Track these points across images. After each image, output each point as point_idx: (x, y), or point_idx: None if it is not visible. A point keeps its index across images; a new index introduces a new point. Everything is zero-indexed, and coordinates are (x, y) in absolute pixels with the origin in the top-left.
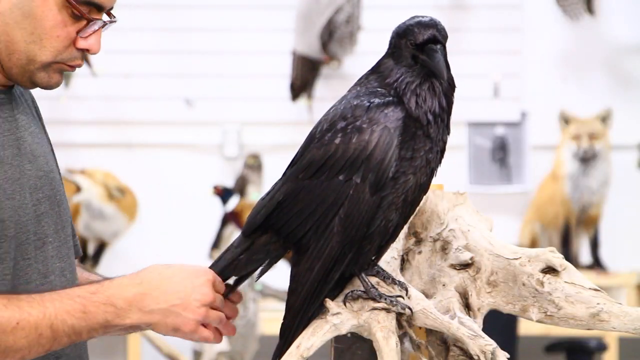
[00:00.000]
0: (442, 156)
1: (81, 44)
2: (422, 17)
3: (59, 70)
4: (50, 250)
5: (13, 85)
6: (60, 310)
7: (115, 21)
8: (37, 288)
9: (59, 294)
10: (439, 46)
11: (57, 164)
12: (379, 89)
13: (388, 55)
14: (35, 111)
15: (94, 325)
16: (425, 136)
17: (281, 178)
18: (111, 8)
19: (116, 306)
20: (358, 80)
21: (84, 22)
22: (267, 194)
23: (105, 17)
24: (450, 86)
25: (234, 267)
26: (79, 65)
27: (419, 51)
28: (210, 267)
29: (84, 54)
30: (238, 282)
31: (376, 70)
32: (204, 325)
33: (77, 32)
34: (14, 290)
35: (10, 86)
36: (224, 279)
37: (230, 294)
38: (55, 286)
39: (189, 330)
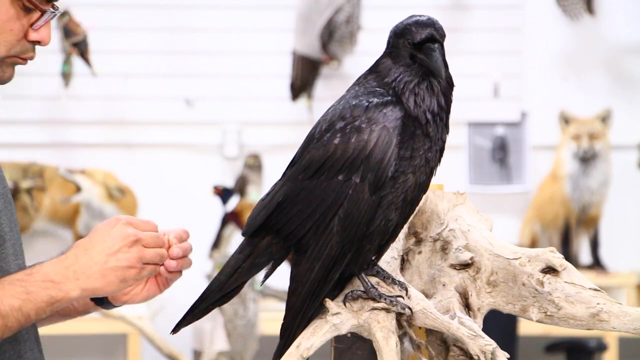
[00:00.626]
0: (441, 155)
1: (33, 36)
2: (420, 16)
3: (12, 65)
4: (8, 248)
5: None
6: (5, 295)
7: (59, 11)
8: None
9: (1, 282)
10: (436, 45)
11: None
12: (377, 89)
13: (386, 54)
14: None
15: (40, 304)
16: (424, 135)
17: (281, 178)
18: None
19: (54, 281)
20: (356, 80)
21: (36, 15)
22: (267, 194)
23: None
24: (449, 85)
25: (239, 273)
26: (31, 58)
27: (417, 50)
28: (216, 277)
29: (35, 45)
30: (238, 289)
31: (374, 70)
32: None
33: (30, 25)
34: None
35: None
36: (231, 286)
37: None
38: None
39: (134, 274)
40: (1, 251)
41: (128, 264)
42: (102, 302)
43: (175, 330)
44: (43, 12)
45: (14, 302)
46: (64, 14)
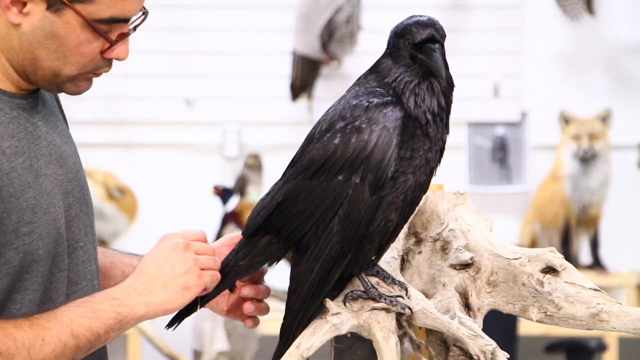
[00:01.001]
0: (441, 155)
1: (109, 54)
2: (420, 16)
3: (86, 79)
4: (81, 255)
5: (37, 90)
6: (75, 316)
7: (145, 18)
8: (70, 298)
9: (68, 306)
10: (437, 45)
11: (78, 153)
12: (377, 89)
13: (386, 55)
14: (59, 108)
15: (108, 321)
16: (425, 135)
17: (281, 178)
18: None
19: (117, 298)
20: (357, 80)
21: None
22: (267, 194)
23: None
24: (449, 85)
25: (237, 271)
26: (107, 71)
27: (418, 50)
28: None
29: (112, 61)
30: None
31: (375, 70)
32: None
33: (102, 51)
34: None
35: (34, 90)
36: (228, 285)
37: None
38: (87, 292)
39: (194, 279)
40: (72, 260)
41: (184, 269)
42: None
43: (170, 324)
44: (113, 40)
45: (84, 322)
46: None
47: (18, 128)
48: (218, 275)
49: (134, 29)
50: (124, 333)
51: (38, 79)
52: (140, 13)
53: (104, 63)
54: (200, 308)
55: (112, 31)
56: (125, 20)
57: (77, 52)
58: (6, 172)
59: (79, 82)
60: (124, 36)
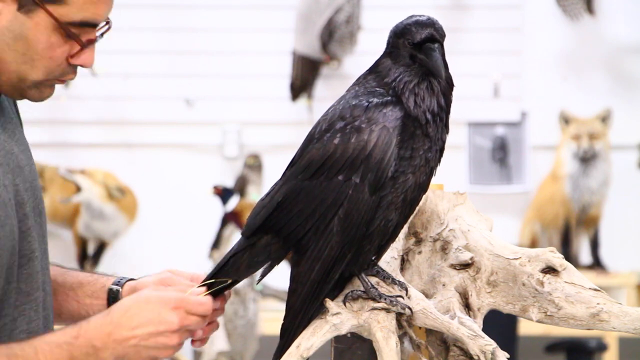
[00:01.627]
0: (441, 155)
1: (75, 61)
2: (420, 16)
3: (50, 86)
4: (36, 265)
5: None
6: (47, 355)
7: (109, 27)
8: (19, 309)
9: (49, 344)
10: (436, 45)
11: (33, 160)
12: (377, 89)
13: (386, 54)
14: (16, 112)
15: None
16: (424, 135)
17: (281, 178)
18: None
19: (96, 347)
20: (356, 80)
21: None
22: (267, 194)
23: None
24: (449, 85)
25: (236, 271)
26: (72, 79)
27: (417, 50)
28: (212, 271)
29: (77, 67)
30: (233, 284)
31: (374, 70)
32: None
33: (70, 55)
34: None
35: None
36: (221, 283)
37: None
38: (41, 302)
39: (166, 355)
40: (25, 271)
41: (163, 348)
42: None
43: None
44: (83, 47)
45: None
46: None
47: None
48: (180, 345)
49: (101, 35)
50: None
51: (2, 83)
52: (104, 22)
53: (70, 69)
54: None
55: (81, 36)
56: (94, 25)
57: (46, 55)
58: None
59: (43, 89)
60: (91, 42)
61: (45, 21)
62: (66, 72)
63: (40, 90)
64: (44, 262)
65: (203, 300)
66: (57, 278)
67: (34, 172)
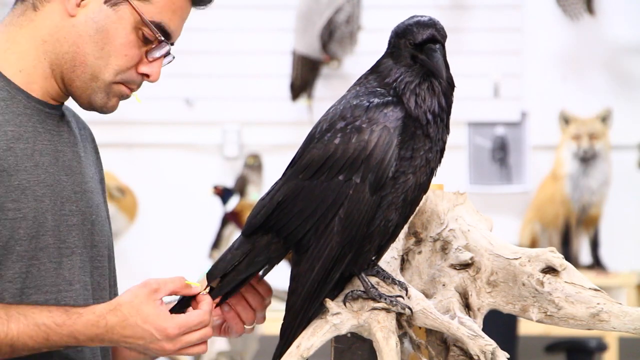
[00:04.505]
0: (441, 156)
1: (143, 69)
2: (421, 16)
3: (118, 95)
4: (77, 262)
5: (62, 104)
6: (23, 335)
7: (173, 58)
8: (61, 295)
9: (27, 317)
10: (438, 46)
11: (105, 201)
12: (378, 89)
13: (387, 55)
14: (93, 147)
15: (54, 347)
16: (425, 136)
17: (281, 178)
18: (173, 43)
19: (78, 339)
20: (357, 80)
21: (152, 46)
22: (267, 194)
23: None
24: (450, 85)
25: (235, 270)
26: (135, 90)
27: (418, 51)
28: (210, 270)
29: (142, 79)
30: (238, 287)
31: (375, 70)
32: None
33: (145, 54)
34: None
35: (60, 103)
36: (226, 283)
37: (225, 300)
38: (79, 296)
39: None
40: (69, 261)
41: (154, 353)
42: None
43: None
44: (159, 42)
45: (29, 342)
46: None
47: (27, 123)
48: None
49: (168, 53)
50: None
51: (75, 77)
52: (168, 46)
53: (136, 78)
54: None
55: (153, 44)
56: (167, 37)
57: (122, 52)
58: (2, 148)
59: (111, 97)
60: (161, 48)
61: (128, 16)
62: (133, 80)
63: (108, 96)
64: (87, 266)
65: (202, 318)
66: None
67: (95, 192)
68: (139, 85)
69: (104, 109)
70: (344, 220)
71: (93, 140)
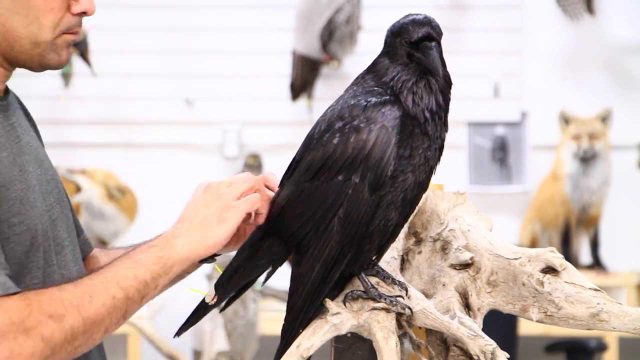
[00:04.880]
0: (440, 154)
1: (76, 8)
2: (416, 15)
3: (66, 46)
4: (68, 255)
5: (7, 92)
6: (118, 269)
7: None
8: None
9: (106, 265)
10: (433, 43)
11: (48, 157)
12: (375, 88)
13: (383, 54)
14: (27, 116)
15: (152, 267)
16: (423, 134)
17: (282, 182)
18: None
19: (158, 245)
20: (354, 80)
21: None
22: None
23: None
24: (447, 83)
25: (240, 275)
26: (78, 32)
27: (414, 49)
28: (218, 281)
29: (81, 18)
30: (242, 290)
31: (372, 69)
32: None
33: (69, 8)
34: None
35: (5, 93)
36: (232, 288)
37: (229, 305)
38: None
39: (228, 211)
40: (62, 258)
41: (218, 204)
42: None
43: (179, 333)
44: None
45: (128, 273)
46: None
47: None
48: (256, 197)
49: None
50: (125, 332)
51: (17, 54)
52: None
53: (75, 21)
54: (207, 312)
55: None
56: None
57: (46, 8)
58: None
59: (60, 50)
60: None
61: None
62: (72, 24)
63: (57, 52)
64: (75, 254)
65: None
66: (102, 258)
67: (53, 170)
68: (80, 25)
69: (59, 66)
70: (344, 220)
71: (24, 107)
